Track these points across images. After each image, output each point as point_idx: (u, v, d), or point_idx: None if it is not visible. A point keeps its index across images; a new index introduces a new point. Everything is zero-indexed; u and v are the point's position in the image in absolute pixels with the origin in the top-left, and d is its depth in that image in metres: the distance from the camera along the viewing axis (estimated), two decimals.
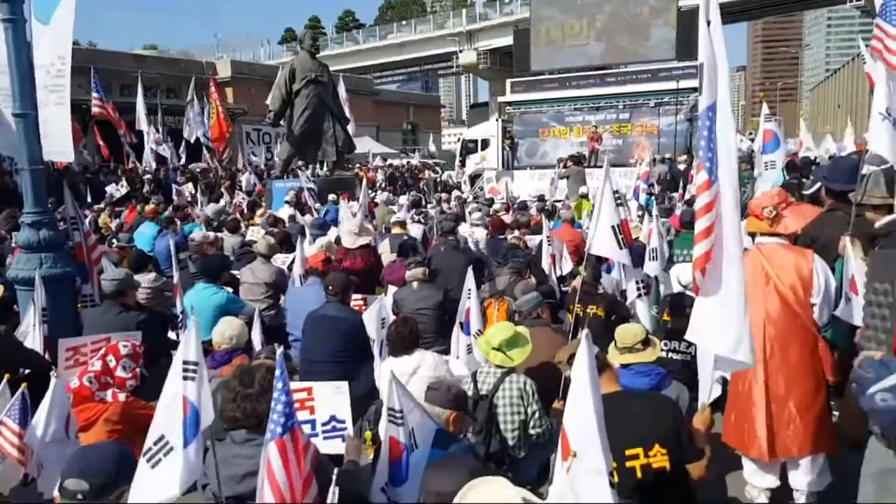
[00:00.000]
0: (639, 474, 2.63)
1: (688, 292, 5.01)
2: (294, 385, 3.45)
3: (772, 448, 3.37)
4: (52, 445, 3.24)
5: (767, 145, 8.46)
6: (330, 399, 3.43)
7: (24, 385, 3.45)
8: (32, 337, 4.66)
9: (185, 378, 2.39)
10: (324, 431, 3.35)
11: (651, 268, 5.39)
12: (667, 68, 23.41)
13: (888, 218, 3.40)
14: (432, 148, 37.57)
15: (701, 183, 2.22)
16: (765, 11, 49.89)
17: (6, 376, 3.57)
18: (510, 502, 1.79)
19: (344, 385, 3.46)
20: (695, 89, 21.66)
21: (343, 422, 3.37)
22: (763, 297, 3.40)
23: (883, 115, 4.64)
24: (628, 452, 2.64)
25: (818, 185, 5.51)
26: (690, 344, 4.28)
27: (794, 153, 15.51)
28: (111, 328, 4.59)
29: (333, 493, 2.12)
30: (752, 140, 15.90)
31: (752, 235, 3.72)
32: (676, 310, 4.76)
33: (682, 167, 15.95)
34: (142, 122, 17.76)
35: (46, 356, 4.50)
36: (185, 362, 2.40)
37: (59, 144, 5.09)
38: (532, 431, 3.76)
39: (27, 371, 4.38)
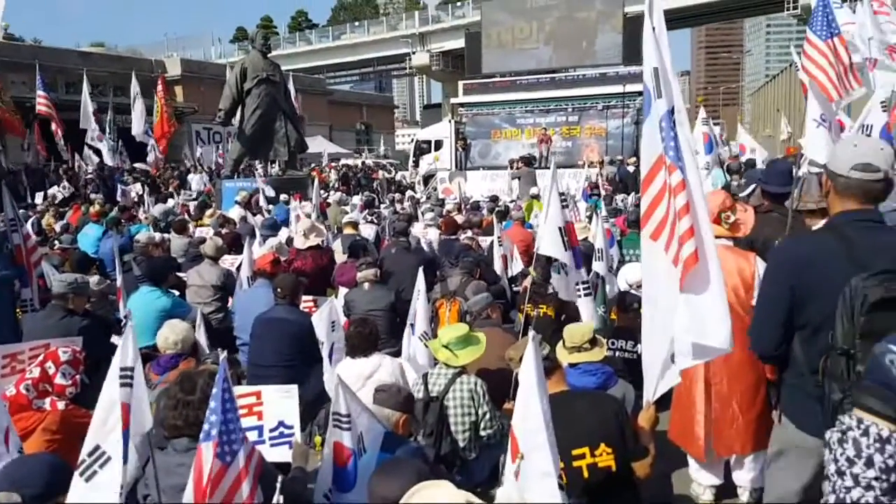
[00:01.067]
0: (585, 474, 2.67)
1: (632, 291, 5.13)
2: (243, 389, 3.41)
3: (716, 446, 3.45)
4: None
5: (706, 146, 8.81)
6: (279, 403, 3.39)
7: None
8: None
9: (122, 385, 2.32)
10: (271, 438, 3.29)
11: (598, 267, 5.50)
12: (614, 72, 23.91)
13: (822, 222, 3.54)
14: (384, 149, 37.47)
15: (676, 184, 2.28)
16: (707, 18, 51.45)
17: None
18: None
19: (293, 389, 3.42)
20: (640, 93, 22.17)
21: (291, 427, 3.33)
22: None
23: (817, 121, 4.86)
24: (575, 452, 2.67)
25: (753, 187, 5.72)
26: (636, 343, 4.39)
27: (736, 156, 16.05)
28: (53, 333, 4.42)
29: (278, 502, 2.10)
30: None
31: None
32: (623, 308, 4.88)
33: (630, 169, 16.32)
34: (86, 121, 17.20)
35: None
36: (122, 368, 2.33)
37: None
38: (483, 433, 3.78)
39: None
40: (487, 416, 3.76)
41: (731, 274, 3.48)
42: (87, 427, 3.74)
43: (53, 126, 16.71)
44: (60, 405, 3.68)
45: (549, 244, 4.23)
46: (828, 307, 2.01)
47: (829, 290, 2.06)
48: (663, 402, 3.58)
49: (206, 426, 2.09)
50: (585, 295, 4.72)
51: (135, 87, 17.42)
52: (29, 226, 6.20)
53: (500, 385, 3.85)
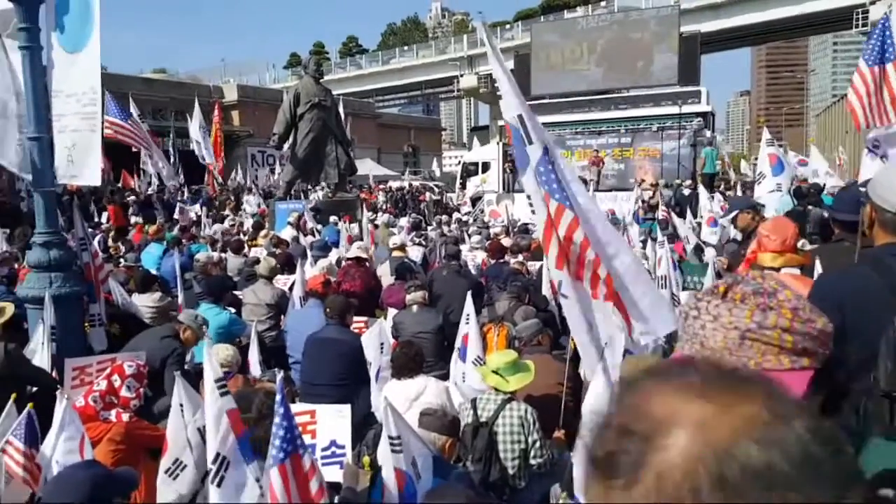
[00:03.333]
0: None
1: None
2: (297, 408, 3.50)
3: None
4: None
5: (775, 168, 8.53)
6: (332, 423, 3.47)
7: (30, 405, 3.50)
8: (40, 355, 4.72)
9: (221, 395, 2.49)
10: (323, 457, 3.36)
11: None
12: (669, 93, 23.60)
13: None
14: (435, 169, 37.82)
15: (570, 221, 2.40)
16: (771, 36, 50.08)
17: (13, 395, 3.61)
18: None
19: (346, 409, 3.50)
20: (697, 114, 21.85)
21: (343, 447, 3.40)
22: None
23: (869, 149, 4.75)
24: None
25: (735, 213, 5.62)
26: None
27: (804, 179, 15.45)
28: (157, 350, 4.72)
29: None
30: (755, 167, 15.95)
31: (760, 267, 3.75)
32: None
33: (686, 192, 15.98)
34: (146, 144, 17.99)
35: (54, 374, 4.56)
36: (216, 381, 2.51)
37: (90, 169, 5.23)
38: (533, 461, 3.74)
39: (34, 389, 4.44)
40: (538, 444, 3.73)
41: None
42: (149, 438, 3.93)
43: (140, 149, 17.41)
44: (125, 417, 3.86)
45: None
46: (869, 347, 1.96)
47: (871, 328, 2.00)
48: None
49: (273, 451, 2.24)
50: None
51: (198, 116, 18.03)
52: (95, 244, 6.49)
53: (550, 413, 3.84)
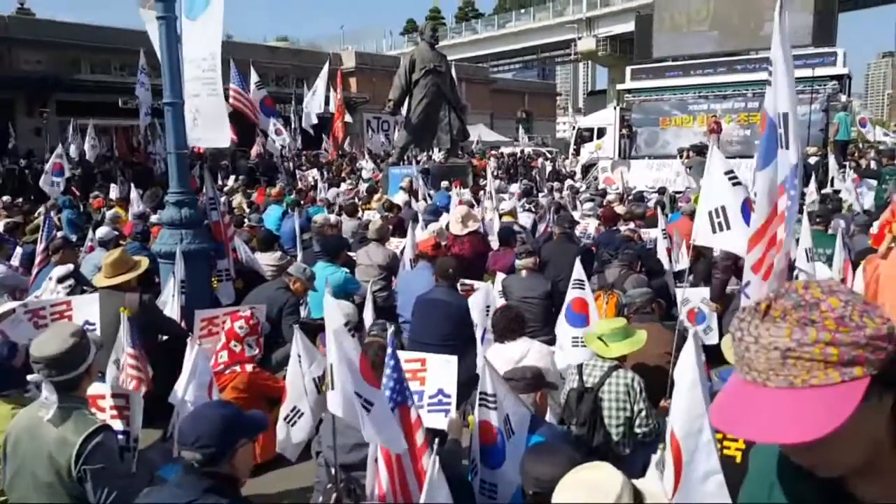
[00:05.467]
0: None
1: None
2: (408, 355, 3.60)
3: None
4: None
5: None
6: (440, 372, 3.51)
7: (124, 311, 3.82)
8: (171, 306, 5.14)
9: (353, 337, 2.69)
10: (430, 404, 3.44)
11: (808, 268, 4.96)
12: (802, 54, 21.72)
13: None
14: (544, 136, 37.10)
15: (778, 216, 2.23)
16: None
17: (125, 311, 3.90)
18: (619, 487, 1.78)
19: (454, 359, 3.53)
20: (832, 77, 20.05)
21: (449, 396, 3.44)
22: None
23: None
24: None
25: None
26: None
27: None
28: (265, 299, 5.10)
29: (434, 462, 2.23)
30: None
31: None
32: None
33: (812, 161, 14.78)
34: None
35: (183, 324, 4.96)
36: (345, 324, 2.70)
37: (215, 132, 5.56)
38: (638, 430, 3.67)
39: (165, 337, 4.86)
40: (644, 412, 3.65)
41: None
42: (268, 388, 4.20)
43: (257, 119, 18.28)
44: (249, 368, 4.14)
45: (703, 233, 3.88)
46: None
47: None
48: None
49: (387, 392, 2.40)
50: None
51: (323, 77, 18.44)
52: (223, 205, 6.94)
53: (658, 382, 3.73)
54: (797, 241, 5.05)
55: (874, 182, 10.93)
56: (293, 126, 19.38)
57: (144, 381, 3.75)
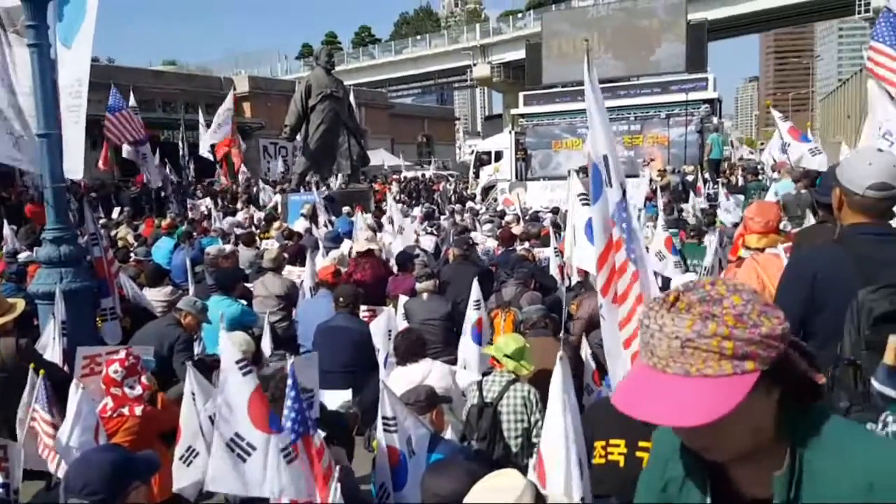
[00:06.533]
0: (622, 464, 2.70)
1: None
2: None
3: None
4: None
5: (802, 137, 8.79)
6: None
7: (41, 372, 3.60)
8: (52, 350, 4.80)
9: (244, 375, 2.63)
10: None
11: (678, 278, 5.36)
12: (677, 80, 23.50)
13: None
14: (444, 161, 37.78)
15: (616, 241, 2.53)
16: (777, 23, 49.81)
17: (41, 371, 3.68)
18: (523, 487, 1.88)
19: (348, 393, 3.54)
20: (704, 101, 21.76)
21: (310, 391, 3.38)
22: None
23: (879, 135, 4.72)
24: (642, 444, 2.70)
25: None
26: None
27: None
28: (154, 336, 4.86)
29: (336, 490, 2.24)
30: (762, 151, 15.83)
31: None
32: None
33: (690, 178, 15.94)
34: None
35: (66, 368, 4.65)
36: (237, 361, 2.64)
37: (71, 162, 5.29)
38: (535, 440, 3.80)
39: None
40: (540, 423, 3.78)
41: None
42: (162, 422, 4.00)
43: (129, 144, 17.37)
44: (138, 410, 3.94)
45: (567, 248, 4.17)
46: (838, 318, 2.03)
47: (839, 302, 2.08)
48: None
49: (288, 423, 2.38)
50: None
51: (227, 104, 17.90)
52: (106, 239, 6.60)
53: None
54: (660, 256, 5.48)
55: (742, 197, 11.92)
56: (183, 153, 18.71)
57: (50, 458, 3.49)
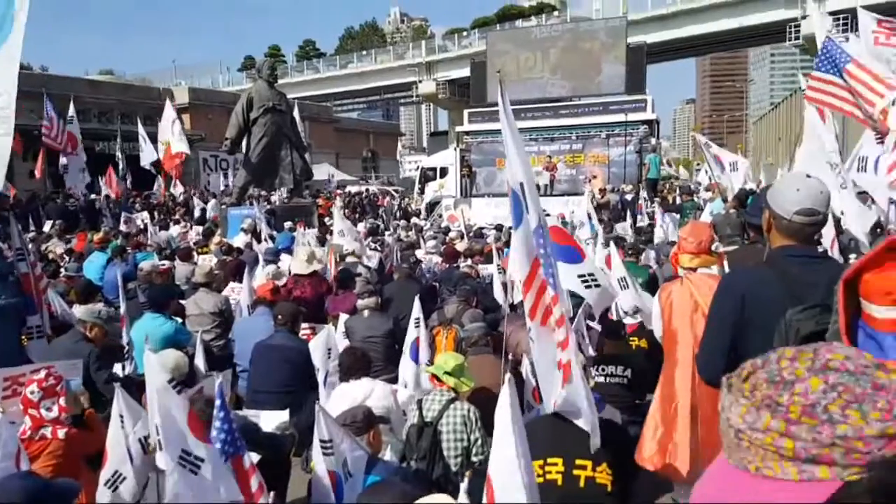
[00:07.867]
0: (581, 484, 2.73)
1: (626, 320, 5.19)
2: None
3: (703, 467, 3.50)
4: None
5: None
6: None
7: None
8: None
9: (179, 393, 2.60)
10: None
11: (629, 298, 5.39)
12: (617, 101, 24.24)
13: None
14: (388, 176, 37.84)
15: (552, 297, 2.69)
16: (712, 48, 52.05)
17: None
18: None
19: (285, 413, 3.49)
20: (643, 121, 22.51)
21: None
22: (691, 325, 3.58)
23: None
24: (578, 462, 2.75)
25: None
26: (626, 368, 4.46)
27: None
28: (62, 354, 4.56)
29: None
30: (698, 172, 16.48)
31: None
32: (612, 336, 4.94)
33: (628, 197, 16.43)
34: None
35: None
36: (169, 381, 2.64)
37: None
38: (474, 458, 3.81)
39: None
40: (479, 441, 3.81)
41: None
42: (87, 445, 3.83)
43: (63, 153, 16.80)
44: (61, 433, 3.76)
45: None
46: (768, 338, 2.08)
47: (768, 322, 2.15)
48: None
49: (217, 445, 2.34)
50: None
51: (168, 117, 17.51)
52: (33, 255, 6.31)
53: (493, 411, 3.91)
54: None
55: (678, 216, 12.34)
56: (120, 164, 18.14)
57: None
